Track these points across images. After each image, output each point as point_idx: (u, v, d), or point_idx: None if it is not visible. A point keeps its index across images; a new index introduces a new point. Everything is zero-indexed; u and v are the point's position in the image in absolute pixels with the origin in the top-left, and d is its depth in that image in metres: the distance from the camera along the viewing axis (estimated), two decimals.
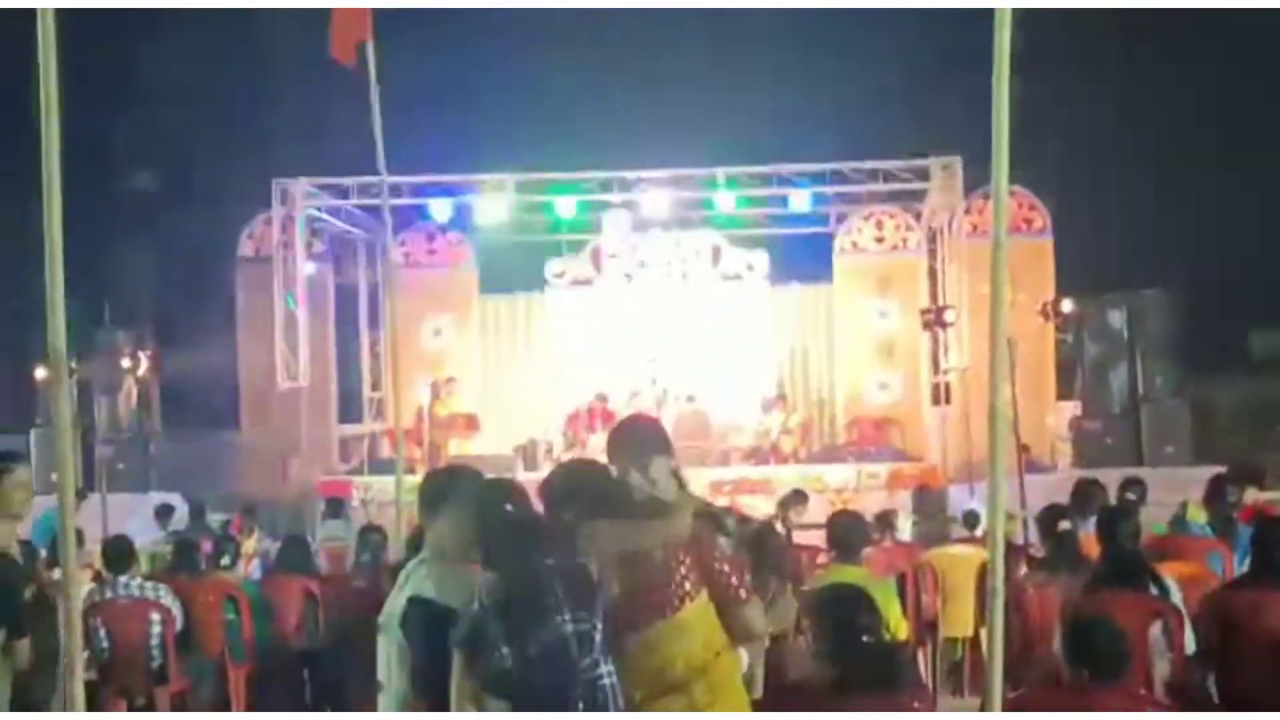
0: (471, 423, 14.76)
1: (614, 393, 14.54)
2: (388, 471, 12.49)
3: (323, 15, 5.73)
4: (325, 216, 15.29)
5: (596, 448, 14.22)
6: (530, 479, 3.55)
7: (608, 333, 15.79)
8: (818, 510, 9.86)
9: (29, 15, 2.88)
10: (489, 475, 2.99)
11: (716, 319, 15.93)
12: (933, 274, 15.57)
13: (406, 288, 14.82)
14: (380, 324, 16.04)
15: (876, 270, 15.95)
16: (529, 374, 16.23)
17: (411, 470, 12.96)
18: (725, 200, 15.11)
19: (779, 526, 6.95)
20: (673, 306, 15.92)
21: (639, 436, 3.04)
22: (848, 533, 5.00)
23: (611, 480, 2.82)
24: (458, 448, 14.44)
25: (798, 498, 8.63)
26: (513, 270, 16.14)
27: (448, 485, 2.94)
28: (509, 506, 2.68)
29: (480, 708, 2.48)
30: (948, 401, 14.43)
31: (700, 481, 12.65)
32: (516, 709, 2.44)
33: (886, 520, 8.12)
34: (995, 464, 3.06)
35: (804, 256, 16.09)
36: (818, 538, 6.09)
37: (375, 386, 16.41)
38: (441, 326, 16.17)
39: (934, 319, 14.38)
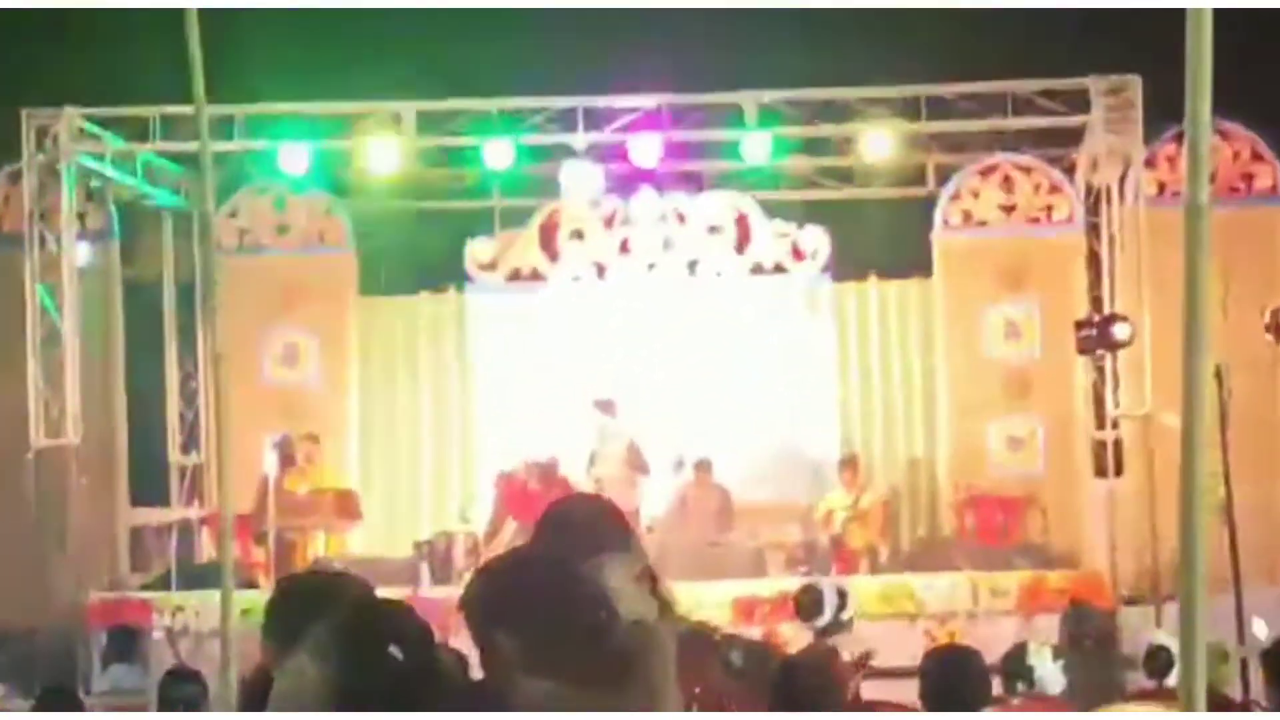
0: (346, 505, 15.15)
1: (571, 454, 15.02)
2: (210, 585, 12.53)
3: None
4: (108, 171, 15.62)
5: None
6: (443, 597, 3.58)
7: (563, 358, 16.26)
8: (903, 643, 9.97)
9: None
10: (370, 593, 3.15)
11: (744, 337, 16.40)
12: (1094, 262, 15.93)
13: (240, 285, 15.06)
14: (198, 346, 16.37)
15: (1003, 256, 16.25)
16: (440, 426, 16.65)
17: (250, 583, 13.04)
18: (758, 145, 15.49)
19: (821, 664, 7.00)
20: (672, 317, 16.45)
21: (581, 527, 3.20)
22: (957, 684, 5.29)
23: (575, 585, 2.96)
24: (326, 546, 14.98)
25: (837, 629, 8.88)
26: (413, 257, 16.59)
27: (308, 609, 3.01)
28: (395, 651, 2.74)
29: None
30: (1119, 472, 14.87)
31: (717, 599, 13.04)
32: None
33: (1019, 664, 8.12)
34: (1192, 571, 2.93)
35: (885, 235, 16.64)
36: (905, 691, 6.24)
37: (189, 447, 16.74)
38: (298, 348, 16.54)
39: (1096, 336, 14.47)
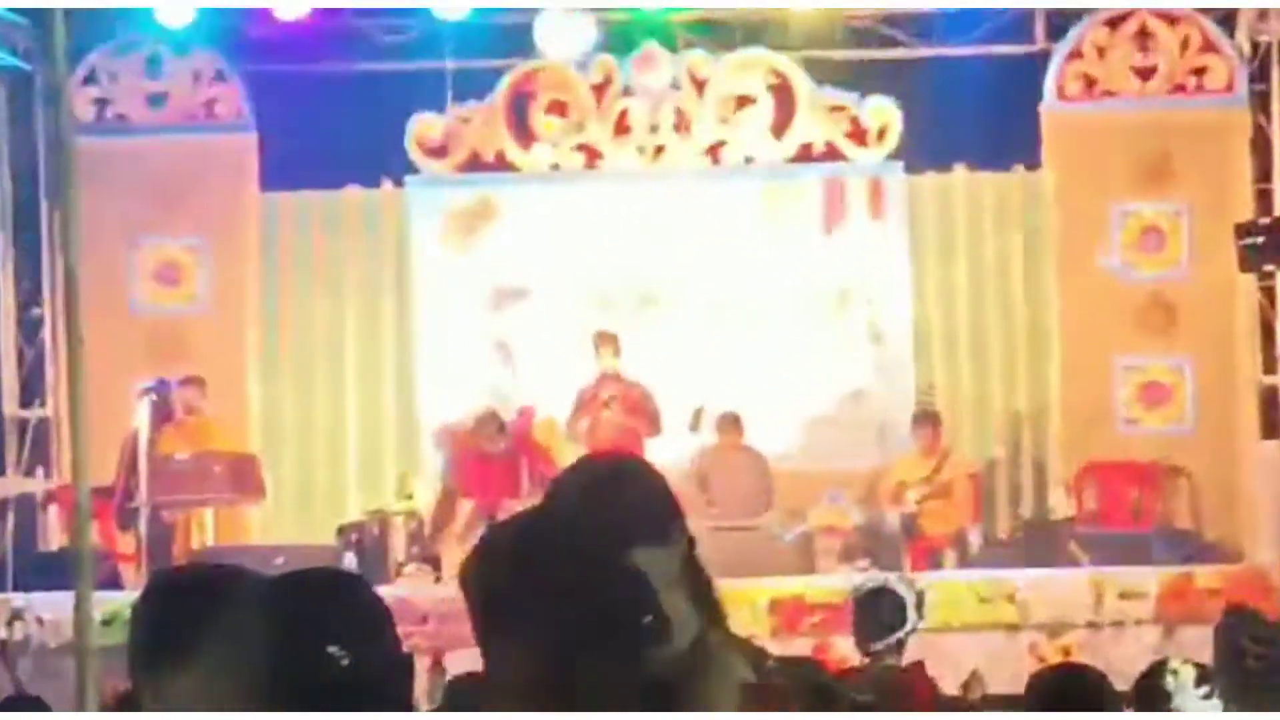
0: (244, 474, 14.91)
1: (551, 398, 15.23)
2: (59, 582, 12.06)
3: None
4: None
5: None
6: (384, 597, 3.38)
7: (538, 275, 16.32)
8: (1001, 663, 10.70)
9: None
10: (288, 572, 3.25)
11: (784, 249, 16.26)
12: (1261, 145, 15.80)
13: (99, 178, 14.47)
14: (42, 260, 16.15)
15: (1138, 138, 15.97)
16: (371, 367, 16.47)
17: (114, 580, 13.31)
18: None
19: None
20: (687, 221, 16.36)
21: (610, 499, 3.24)
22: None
23: (612, 575, 2.89)
24: (217, 530, 15.03)
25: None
26: (336, 138, 15.75)
27: (196, 612, 3.06)
28: (337, 652, 2.90)
29: None
30: None
31: (749, 602, 13.02)
32: None
33: (1154, 689, 7.45)
34: None
35: (977, 109, 15.87)
36: None
37: (30, 397, 16.43)
38: (178, 264, 16.36)
39: (1265, 245, 14.42)
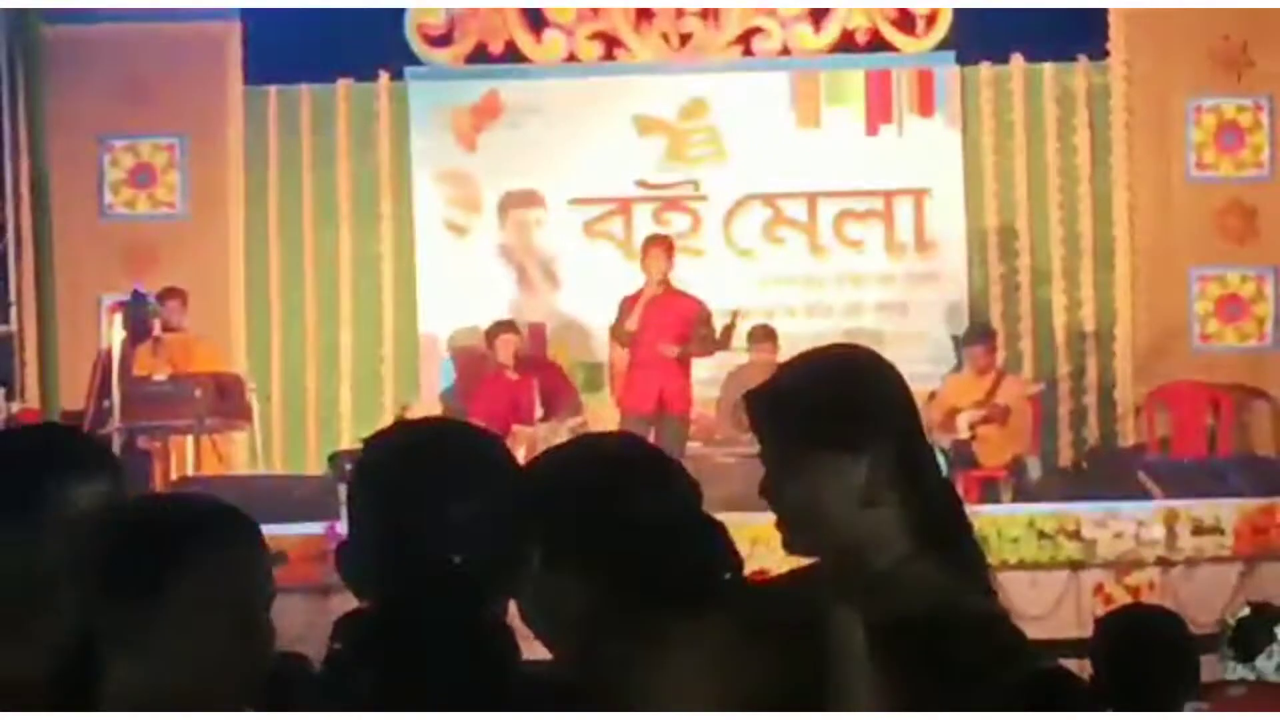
0: (228, 396, 14.58)
1: (565, 314, 15.41)
2: None
3: None
4: None
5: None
6: None
7: (551, 173, 16.02)
8: (1065, 605, 10.92)
9: None
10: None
11: (822, 147, 16.04)
12: None
13: (65, 68, 14.66)
14: (4, 161, 15.55)
15: (1216, 23, 15.53)
16: (366, 277, 16.19)
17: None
18: None
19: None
20: (716, 116, 16.07)
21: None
22: (1144, 666, 5.32)
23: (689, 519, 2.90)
24: (197, 458, 14.62)
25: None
26: (328, 24, 15.25)
27: (170, 548, 2.86)
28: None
29: None
30: None
31: (781, 540, 12.25)
32: None
33: (1248, 635, 7.76)
34: None
35: None
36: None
37: None
38: (154, 166, 16.05)
39: None
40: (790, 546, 3.01)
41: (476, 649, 2.80)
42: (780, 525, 3.00)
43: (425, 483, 2.83)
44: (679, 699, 2.80)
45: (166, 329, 14.46)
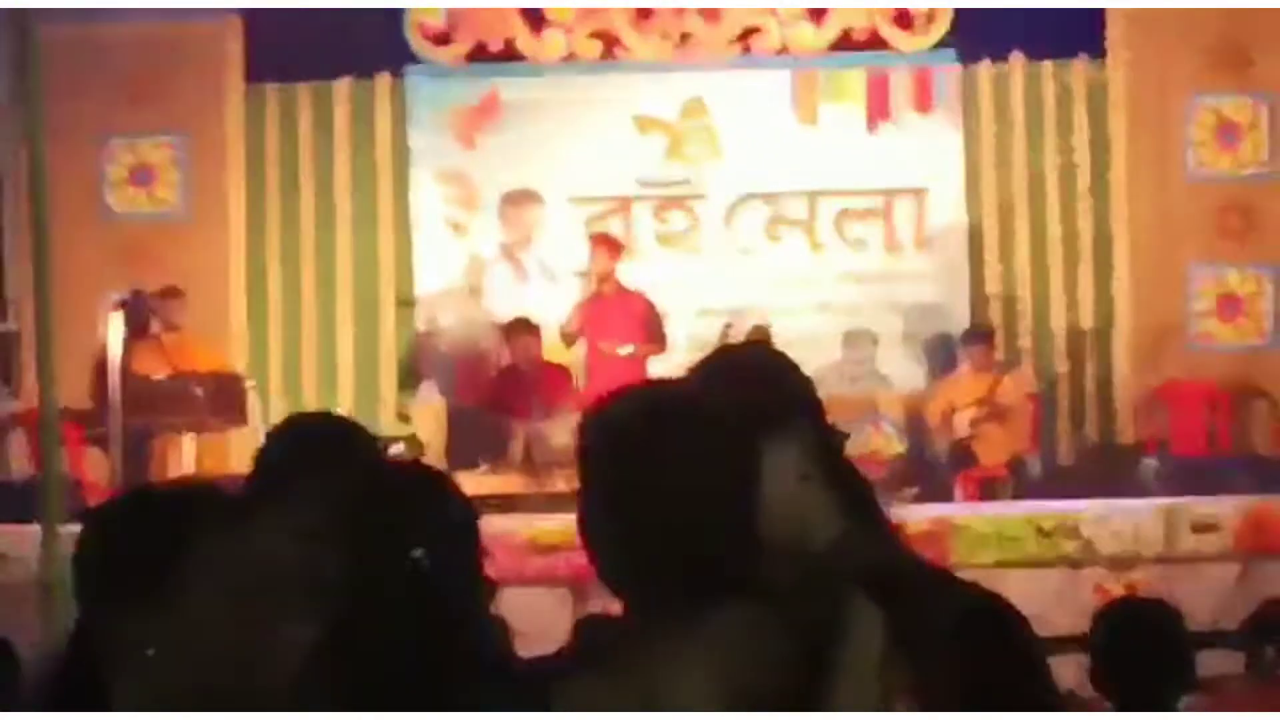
0: (227, 396, 14.53)
1: (563, 312, 14.86)
2: (24, 513, 11.91)
3: None
4: None
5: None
6: None
7: (547, 175, 16.04)
8: (1064, 600, 10.77)
9: None
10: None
11: (821, 145, 16.01)
12: None
13: (66, 67, 14.29)
14: (3, 155, 15.73)
15: (1214, 23, 15.55)
16: (366, 275, 16.20)
17: (81, 511, 14.26)
18: None
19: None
20: (714, 115, 16.03)
21: (738, 387, 3.19)
22: (1140, 657, 5.40)
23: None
24: (198, 456, 14.57)
25: None
26: (329, 23, 15.19)
27: (173, 536, 2.93)
28: (419, 555, 2.86)
29: None
30: None
31: None
32: None
33: (1255, 635, 7.71)
34: None
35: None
36: (1066, 669, 5.50)
37: None
38: (152, 164, 16.04)
39: None
40: None
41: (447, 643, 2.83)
42: None
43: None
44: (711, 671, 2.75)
45: (167, 328, 14.47)
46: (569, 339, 14.31)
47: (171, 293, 14.55)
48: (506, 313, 15.22)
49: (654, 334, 14.34)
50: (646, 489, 2.83)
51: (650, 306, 14.31)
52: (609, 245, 14.48)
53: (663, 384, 3.21)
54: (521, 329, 14.66)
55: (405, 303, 16.22)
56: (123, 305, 14.00)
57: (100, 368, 13.88)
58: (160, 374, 14.17)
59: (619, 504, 2.84)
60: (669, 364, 13.95)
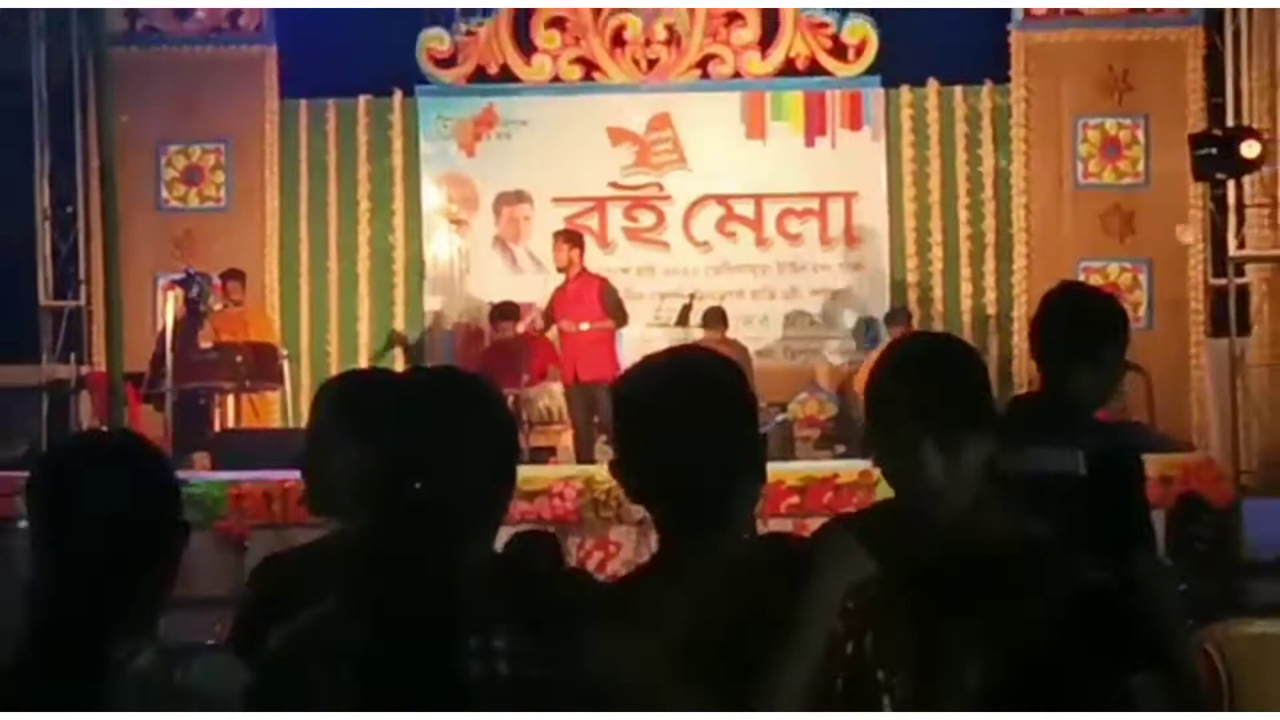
0: (264, 362, 15.05)
1: (546, 296, 15.07)
2: None
3: None
4: None
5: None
6: None
7: (537, 179, 16.66)
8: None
9: None
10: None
11: (767, 156, 16.69)
12: (1214, 62, 15.90)
13: (128, 86, 14.76)
14: (76, 162, 16.18)
15: (1100, 55, 16.29)
16: (382, 263, 16.82)
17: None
18: None
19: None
20: (677, 130, 16.78)
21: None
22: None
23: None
24: (237, 413, 15.15)
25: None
26: (350, 49, 15.97)
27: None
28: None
29: None
30: (1243, 329, 14.79)
31: None
32: None
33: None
34: None
35: (949, 27, 15.86)
36: None
37: (63, 288, 16.54)
38: (201, 166, 16.63)
39: (1217, 156, 14.40)
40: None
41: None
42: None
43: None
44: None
45: (229, 304, 15.09)
46: (547, 320, 14.38)
47: (234, 274, 15.23)
48: (498, 296, 15.62)
49: (611, 311, 14.14)
50: (660, 435, 2.91)
51: (606, 288, 14.19)
52: (569, 239, 14.45)
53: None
54: (506, 311, 15.08)
55: (414, 285, 16.71)
56: (176, 285, 14.70)
57: (158, 338, 14.57)
58: (207, 343, 14.70)
59: (639, 448, 2.93)
60: (631, 336, 14.28)
